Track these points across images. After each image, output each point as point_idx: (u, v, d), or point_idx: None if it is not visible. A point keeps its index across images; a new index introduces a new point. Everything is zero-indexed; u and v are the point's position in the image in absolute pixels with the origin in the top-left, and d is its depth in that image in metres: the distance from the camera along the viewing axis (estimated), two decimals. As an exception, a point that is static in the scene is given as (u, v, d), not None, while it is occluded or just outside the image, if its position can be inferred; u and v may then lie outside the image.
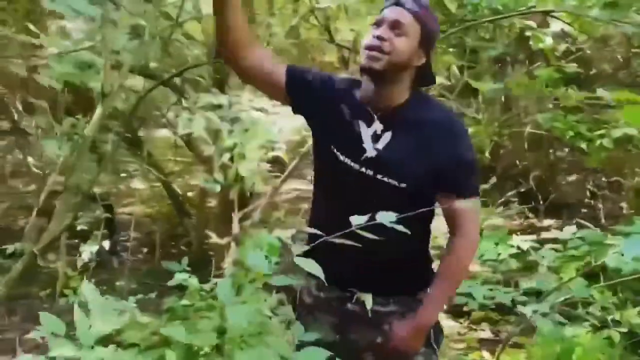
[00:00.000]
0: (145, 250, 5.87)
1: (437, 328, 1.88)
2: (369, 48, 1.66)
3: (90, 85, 3.95)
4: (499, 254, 3.09)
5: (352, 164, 1.73)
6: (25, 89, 5.54)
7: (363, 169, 1.72)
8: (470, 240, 1.77)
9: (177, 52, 5.56)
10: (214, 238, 3.39)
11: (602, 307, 2.45)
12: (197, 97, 3.62)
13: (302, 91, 1.78)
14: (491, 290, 2.86)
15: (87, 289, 1.25)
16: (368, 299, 1.79)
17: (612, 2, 2.40)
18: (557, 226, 6.49)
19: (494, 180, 5.06)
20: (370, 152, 1.71)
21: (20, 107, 5.12)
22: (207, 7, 5.19)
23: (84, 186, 3.21)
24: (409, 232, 1.44)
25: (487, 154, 5.81)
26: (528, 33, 3.32)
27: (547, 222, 6.55)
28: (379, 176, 1.71)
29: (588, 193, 6.50)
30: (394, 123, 1.71)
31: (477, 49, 3.90)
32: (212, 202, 5.73)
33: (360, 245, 1.40)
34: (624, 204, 6.03)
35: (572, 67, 3.50)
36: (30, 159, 5.71)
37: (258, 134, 3.30)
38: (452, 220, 1.74)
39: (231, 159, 3.25)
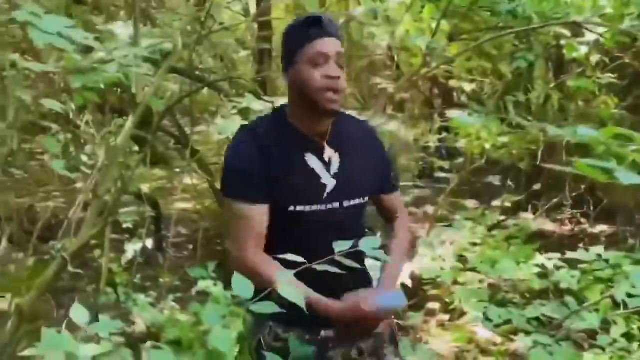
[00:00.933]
0: (190, 247, 6.00)
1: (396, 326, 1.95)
2: (327, 90, 1.61)
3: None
4: (518, 274, 3.00)
5: (318, 207, 1.69)
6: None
7: (330, 205, 1.71)
8: (407, 219, 2.01)
9: (226, 55, 5.69)
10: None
11: (624, 334, 2.34)
12: (234, 102, 3.67)
13: (264, 185, 1.67)
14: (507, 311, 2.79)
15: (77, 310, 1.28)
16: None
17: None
18: (610, 232, 6.26)
19: (538, 186, 4.92)
20: (330, 184, 1.71)
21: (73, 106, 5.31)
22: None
23: (124, 185, 3.31)
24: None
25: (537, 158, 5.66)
26: (562, 42, 3.21)
27: (600, 227, 6.33)
28: (345, 203, 1.73)
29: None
30: (336, 142, 1.74)
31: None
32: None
33: (338, 272, 1.37)
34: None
35: (607, 78, 3.36)
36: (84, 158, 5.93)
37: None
38: (392, 210, 1.94)
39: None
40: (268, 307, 1.25)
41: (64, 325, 1.67)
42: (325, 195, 1.70)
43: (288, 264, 1.47)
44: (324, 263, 1.36)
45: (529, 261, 2.99)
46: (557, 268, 2.67)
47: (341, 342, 1.75)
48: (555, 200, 5.28)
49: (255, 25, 4.84)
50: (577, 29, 3.09)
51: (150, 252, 5.20)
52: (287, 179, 1.68)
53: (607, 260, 2.35)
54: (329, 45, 1.62)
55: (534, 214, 6.02)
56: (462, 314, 3.66)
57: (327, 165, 1.72)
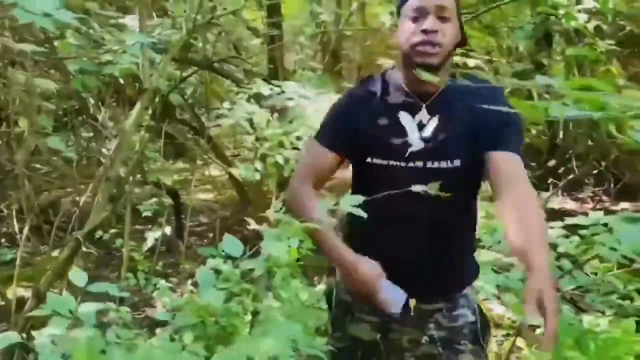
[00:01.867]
0: (210, 235, 6.10)
1: (484, 323, 1.81)
2: (421, 44, 1.58)
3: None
4: None
5: (398, 163, 1.68)
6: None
7: (410, 164, 1.67)
8: (531, 190, 1.57)
9: (238, 42, 5.74)
10: (253, 224, 3.50)
11: (624, 295, 2.34)
12: (243, 89, 3.72)
13: (345, 140, 1.76)
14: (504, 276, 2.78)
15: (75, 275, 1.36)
16: (412, 301, 1.71)
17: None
18: (633, 209, 6.17)
19: (555, 162, 4.87)
20: (416, 145, 1.67)
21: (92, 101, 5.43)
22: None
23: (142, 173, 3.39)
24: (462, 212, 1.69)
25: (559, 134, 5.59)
26: (561, 11, 3.17)
27: (622, 205, 6.24)
28: (428, 164, 1.67)
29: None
30: (439, 107, 1.69)
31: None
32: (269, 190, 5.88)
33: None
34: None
35: (606, 45, 3.29)
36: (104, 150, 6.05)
37: (300, 122, 3.36)
38: (508, 175, 1.57)
39: (270, 149, 3.33)
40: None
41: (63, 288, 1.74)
42: (407, 153, 1.67)
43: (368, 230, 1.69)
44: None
45: None
46: (564, 236, 2.65)
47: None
48: (571, 177, 5.21)
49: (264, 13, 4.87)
50: None
51: (171, 240, 5.29)
52: (373, 131, 1.70)
53: (605, 224, 2.34)
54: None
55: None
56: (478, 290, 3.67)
57: (421, 127, 1.69)
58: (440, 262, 1.73)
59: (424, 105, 1.68)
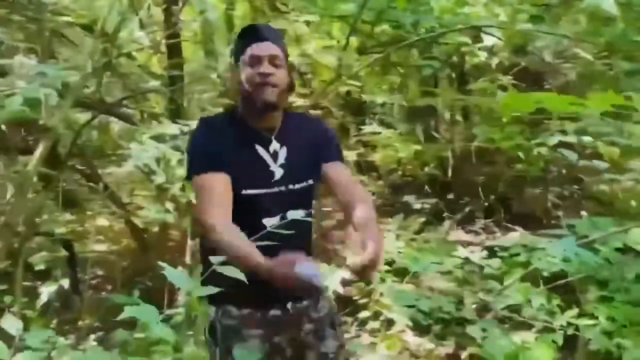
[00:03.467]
0: (109, 287, 5.77)
1: (336, 310, 2.23)
2: (261, 84, 1.88)
3: (41, 121, 3.95)
4: (442, 264, 3.13)
5: (267, 190, 1.95)
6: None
7: (276, 189, 1.96)
8: (363, 189, 2.11)
9: (134, 84, 5.58)
10: (167, 269, 3.33)
11: (548, 311, 2.50)
12: (148, 128, 3.60)
13: (224, 160, 1.89)
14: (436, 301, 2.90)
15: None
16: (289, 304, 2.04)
17: (539, 16, 2.49)
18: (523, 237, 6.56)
19: (452, 195, 5.11)
20: (278, 172, 1.97)
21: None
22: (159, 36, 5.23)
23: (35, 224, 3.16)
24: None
25: (447, 169, 5.89)
26: (464, 49, 3.43)
27: (511, 235, 6.61)
28: (290, 187, 1.97)
29: (550, 204, 6.58)
30: (284, 138, 2.00)
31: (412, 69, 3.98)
32: (175, 235, 5.69)
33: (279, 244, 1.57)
34: (584, 213, 6.13)
35: (508, 80, 3.59)
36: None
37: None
38: (341, 180, 2.03)
39: (183, 189, 3.23)
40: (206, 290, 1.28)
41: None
42: (273, 180, 1.96)
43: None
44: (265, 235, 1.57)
45: (452, 254, 3.11)
46: (483, 259, 2.80)
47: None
48: (467, 210, 5.48)
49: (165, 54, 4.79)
50: (476, 36, 3.31)
51: (66, 295, 4.93)
52: (240, 165, 1.91)
53: (524, 245, 2.50)
54: (262, 49, 1.90)
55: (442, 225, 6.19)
56: (391, 322, 3.72)
57: (274, 156, 1.97)
58: None
59: (273, 138, 1.99)
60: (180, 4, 4.42)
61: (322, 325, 2.09)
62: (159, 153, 3.22)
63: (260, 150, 1.96)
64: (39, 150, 2.55)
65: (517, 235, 6.42)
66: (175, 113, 4.60)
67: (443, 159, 6.20)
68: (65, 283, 4.47)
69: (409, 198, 7.70)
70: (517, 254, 2.49)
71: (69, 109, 2.83)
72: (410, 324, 3.66)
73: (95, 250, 6.52)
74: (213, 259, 1.41)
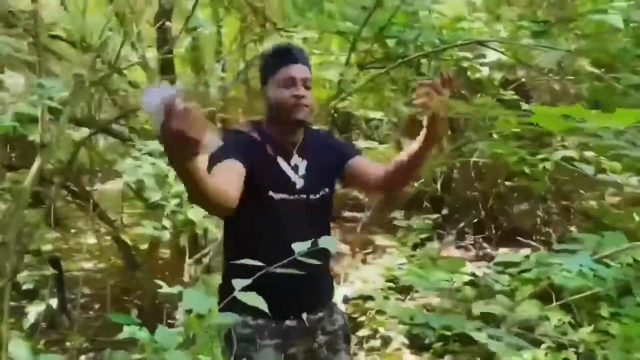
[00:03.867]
0: (97, 306, 5.66)
1: (348, 324, 2.25)
2: (296, 106, 1.99)
3: (30, 137, 3.88)
4: (453, 282, 3.09)
5: (288, 196, 2.04)
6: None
7: (297, 196, 2.06)
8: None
9: (123, 100, 5.53)
10: (165, 288, 3.27)
11: (556, 327, 2.48)
12: (144, 144, 3.55)
13: (249, 158, 1.96)
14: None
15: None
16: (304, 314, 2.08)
17: (542, 31, 2.51)
18: (513, 254, 6.57)
19: (445, 211, 5.11)
20: (299, 183, 2.06)
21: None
22: (150, 53, 5.20)
23: (25, 242, 3.09)
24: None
25: (437, 186, 5.89)
26: (465, 64, 3.45)
27: (502, 250, 6.62)
28: (310, 196, 2.07)
29: (539, 220, 6.62)
30: (304, 151, 2.11)
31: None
32: (164, 253, 5.61)
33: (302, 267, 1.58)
34: (573, 228, 6.17)
35: (509, 95, 3.62)
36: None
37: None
38: (372, 168, 2.14)
39: (180, 205, 3.17)
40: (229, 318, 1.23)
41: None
42: (295, 189, 2.06)
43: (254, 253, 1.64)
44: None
45: (460, 271, 3.08)
46: (488, 275, 2.78)
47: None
48: (461, 226, 5.49)
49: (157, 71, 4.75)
50: (478, 52, 3.34)
51: (53, 314, 4.82)
52: (264, 172, 2.01)
53: (531, 259, 2.48)
54: (296, 71, 2.00)
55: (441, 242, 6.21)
56: (388, 340, 3.69)
57: (295, 169, 2.08)
58: (319, 276, 2.05)
59: (294, 151, 2.09)
60: (173, 20, 4.40)
61: (336, 338, 2.15)
62: (155, 169, 3.16)
63: (282, 163, 2.07)
64: (35, 166, 2.50)
65: (507, 251, 6.45)
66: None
67: (436, 174, 6.20)
68: (54, 302, 4.36)
69: (398, 214, 7.71)
70: (527, 270, 2.48)
71: (65, 126, 2.76)
72: (407, 342, 3.63)
73: (82, 268, 6.42)
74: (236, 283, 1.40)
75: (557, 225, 6.56)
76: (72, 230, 6.56)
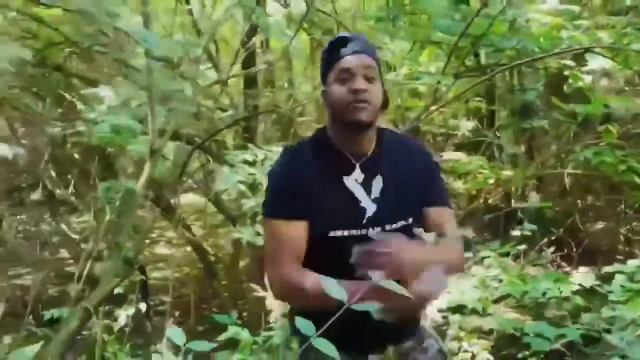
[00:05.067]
0: (177, 313, 5.81)
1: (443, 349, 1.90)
2: (354, 102, 1.61)
3: (128, 147, 4.06)
4: (561, 292, 2.99)
5: (357, 231, 1.65)
6: (53, 160, 5.65)
7: (367, 230, 1.65)
8: (460, 240, 1.76)
9: (205, 116, 5.71)
10: (260, 292, 3.35)
11: None
12: (235, 154, 3.66)
13: (303, 204, 1.65)
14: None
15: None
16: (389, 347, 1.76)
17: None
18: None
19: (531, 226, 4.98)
20: (370, 209, 1.68)
21: (53, 175, 5.22)
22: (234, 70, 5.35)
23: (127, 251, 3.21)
24: None
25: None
26: (566, 72, 3.38)
27: (581, 269, 6.40)
28: (387, 227, 1.67)
29: (622, 238, 6.37)
30: (379, 165, 1.71)
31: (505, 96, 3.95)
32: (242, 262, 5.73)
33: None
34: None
35: (615, 102, 3.49)
36: (64, 227, 5.76)
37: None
38: (440, 227, 1.71)
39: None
40: (309, 328, 1.22)
41: None
42: (365, 220, 1.66)
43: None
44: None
45: (567, 280, 3.00)
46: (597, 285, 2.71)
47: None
48: (544, 242, 5.34)
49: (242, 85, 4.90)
50: (580, 59, 3.27)
51: (139, 319, 4.98)
52: (326, 202, 1.65)
53: None
54: (353, 61, 1.63)
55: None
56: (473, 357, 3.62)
57: (368, 188, 1.69)
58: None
59: (357, 165, 1.69)
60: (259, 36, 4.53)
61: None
62: (249, 177, 3.25)
63: (350, 182, 1.69)
64: (146, 171, 2.61)
65: (587, 270, 6.23)
66: (249, 142, 4.66)
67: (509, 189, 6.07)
68: (143, 307, 4.51)
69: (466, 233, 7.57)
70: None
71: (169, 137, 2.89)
72: (492, 358, 3.55)
73: (165, 277, 6.61)
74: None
75: (641, 245, 6.30)
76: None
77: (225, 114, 5.25)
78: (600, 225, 6.76)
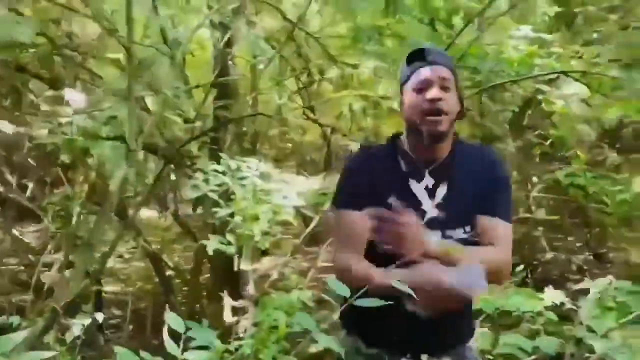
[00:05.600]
0: (131, 327, 5.65)
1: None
2: (428, 113, 1.68)
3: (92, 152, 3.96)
4: (534, 307, 3.05)
5: None
6: (10, 165, 5.47)
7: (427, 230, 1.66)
8: (504, 252, 1.73)
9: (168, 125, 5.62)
10: (229, 301, 3.30)
11: None
12: (207, 163, 3.61)
13: (370, 199, 1.69)
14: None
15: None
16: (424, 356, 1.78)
17: (629, 64, 2.52)
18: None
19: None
20: (431, 212, 1.71)
21: (12, 180, 5.03)
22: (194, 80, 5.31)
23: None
24: None
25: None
26: (540, 97, 3.51)
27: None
28: (447, 232, 1.70)
29: (574, 267, 6.54)
30: (446, 173, 1.76)
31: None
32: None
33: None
34: (611, 277, 6.07)
35: (584, 128, 3.64)
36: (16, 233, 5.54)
37: (267, 197, 3.31)
38: (489, 237, 1.72)
39: (244, 220, 3.22)
40: (372, 302, 1.24)
41: None
42: (424, 222, 1.68)
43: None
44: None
45: (537, 297, 3.04)
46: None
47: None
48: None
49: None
50: (554, 83, 3.40)
51: (91, 332, 4.80)
52: (388, 199, 1.67)
53: (617, 288, 2.46)
54: (429, 72, 1.71)
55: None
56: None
57: (432, 193, 1.74)
58: (450, 318, 1.67)
59: (427, 171, 1.75)
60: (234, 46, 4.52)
61: None
62: (223, 186, 3.22)
63: (414, 185, 1.75)
64: (121, 172, 2.55)
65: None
66: (216, 153, 4.62)
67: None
68: (100, 317, 4.36)
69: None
70: (613, 298, 2.44)
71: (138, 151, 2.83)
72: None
73: (115, 291, 6.44)
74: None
75: (594, 275, 6.47)
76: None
77: (190, 125, 5.17)
78: (553, 254, 6.92)
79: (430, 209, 1.72)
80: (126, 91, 2.45)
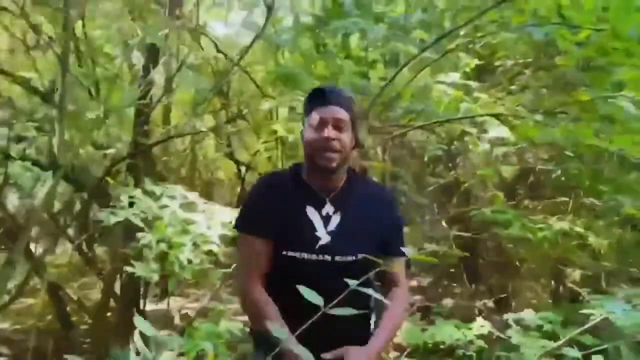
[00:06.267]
0: (20, 366, 5.21)
1: None
2: (323, 149, 1.83)
3: None
4: (466, 335, 3.11)
5: (309, 255, 1.83)
6: None
7: (320, 257, 1.83)
8: (406, 291, 1.99)
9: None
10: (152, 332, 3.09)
11: None
12: (126, 189, 3.48)
13: (270, 225, 1.85)
14: None
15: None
16: None
17: (554, 112, 2.71)
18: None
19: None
20: (324, 239, 1.85)
21: None
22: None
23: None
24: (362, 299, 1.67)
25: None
26: (466, 138, 3.68)
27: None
28: (336, 258, 1.84)
29: (477, 311, 6.74)
30: (342, 203, 1.90)
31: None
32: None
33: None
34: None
35: (508, 170, 3.85)
36: None
37: (191, 225, 3.24)
38: (391, 276, 1.94)
39: (169, 247, 3.12)
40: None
41: None
42: (317, 246, 1.83)
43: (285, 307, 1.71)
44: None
45: (467, 326, 3.11)
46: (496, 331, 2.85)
47: None
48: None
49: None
50: (480, 126, 3.57)
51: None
52: (287, 224, 1.84)
53: (544, 318, 2.56)
54: (327, 112, 1.85)
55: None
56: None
57: (326, 221, 1.87)
58: (347, 336, 1.78)
59: (327, 200, 1.90)
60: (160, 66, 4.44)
61: None
62: (145, 212, 3.11)
63: (311, 212, 1.88)
64: (50, 183, 2.39)
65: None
66: (136, 178, 4.47)
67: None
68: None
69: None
70: (539, 327, 2.55)
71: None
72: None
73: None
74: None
75: (495, 322, 6.68)
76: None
77: (104, 150, 4.98)
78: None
79: (324, 235, 1.85)
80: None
